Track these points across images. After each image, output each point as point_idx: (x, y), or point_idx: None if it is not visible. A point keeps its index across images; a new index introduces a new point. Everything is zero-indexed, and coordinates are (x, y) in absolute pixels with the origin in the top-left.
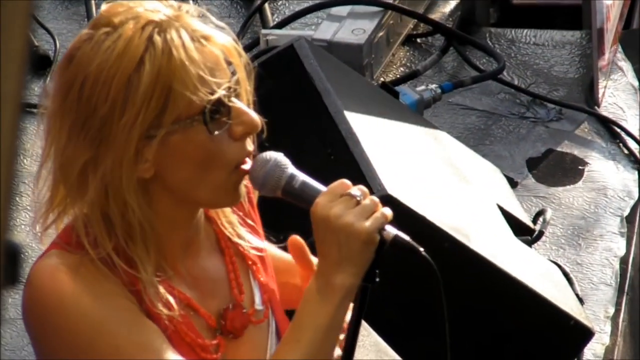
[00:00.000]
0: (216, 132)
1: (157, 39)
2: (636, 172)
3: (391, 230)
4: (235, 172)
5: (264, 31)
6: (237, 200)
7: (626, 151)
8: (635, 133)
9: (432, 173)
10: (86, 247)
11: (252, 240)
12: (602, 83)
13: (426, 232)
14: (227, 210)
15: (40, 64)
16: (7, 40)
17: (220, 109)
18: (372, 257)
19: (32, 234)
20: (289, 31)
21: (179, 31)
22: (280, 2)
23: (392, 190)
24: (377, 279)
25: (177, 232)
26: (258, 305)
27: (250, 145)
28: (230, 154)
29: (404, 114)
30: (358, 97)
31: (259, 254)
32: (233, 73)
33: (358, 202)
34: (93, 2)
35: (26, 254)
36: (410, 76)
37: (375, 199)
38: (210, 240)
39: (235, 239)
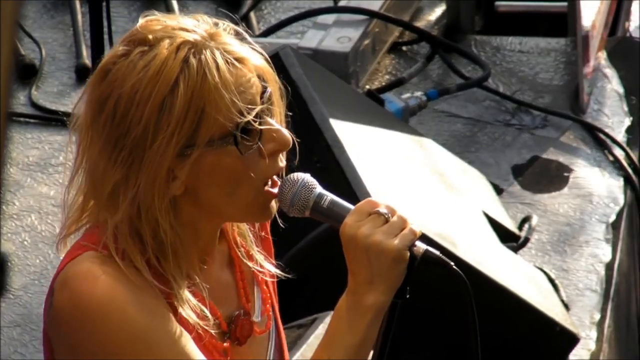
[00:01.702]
0: (247, 152)
1: (192, 60)
2: (621, 179)
3: (421, 246)
4: (264, 191)
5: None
6: (268, 217)
7: (611, 158)
8: (620, 140)
9: (417, 180)
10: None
11: (260, 260)
12: (587, 90)
13: None
14: (242, 225)
15: (26, 72)
16: None
17: (251, 130)
18: (403, 274)
19: (18, 242)
20: (274, 39)
21: (214, 53)
22: (266, 10)
23: (377, 197)
24: (408, 296)
25: (200, 243)
26: (257, 316)
27: (282, 162)
28: (259, 171)
29: (390, 122)
30: (344, 105)
31: (267, 278)
32: (266, 92)
33: (386, 220)
34: (79, 10)
35: (12, 262)
36: (396, 84)
37: (404, 216)
38: (222, 248)
39: (245, 260)
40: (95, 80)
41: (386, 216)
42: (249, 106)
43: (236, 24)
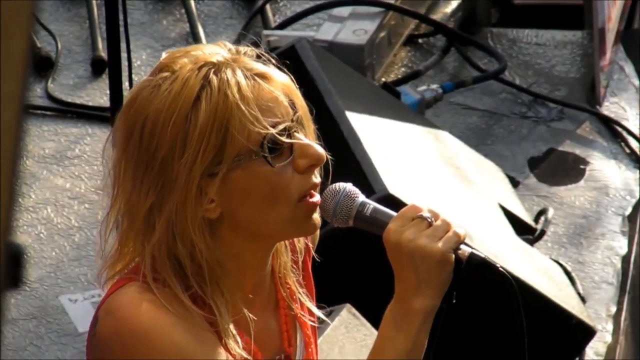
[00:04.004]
0: (278, 165)
1: (213, 77)
2: (637, 171)
3: (466, 249)
4: (300, 205)
5: (265, 32)
6: (312, 231)
7: (628, 150)
8: (637, 132)
9: (433, 173)
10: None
11: (305, 303)
12: (603, 82)
13: None
14: (288, 266)
15: (42, 65)
16: (10, 41)
17: (279, 142)
18: (450, 277)
19: (33, 235)
20: (290, 32)
21: (235, 70)
22: (282, 3)
23: (394, 189)
24: (455, 300)
25: (249, 273)
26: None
27: (317, 178)
28: (294, 186)
29: (406, 114)
30: (359, 97)
31: (311, 323)
32: (293, 109)
33: (430, 224)
34: (95, 3)
35: (29, 255)
36: (412, 76)
37: (447, 219)
38: (270, 289)
39: (289, 302)
40: (122, 115)
41: (429, 220)
42: (276, 120)
43: (257, 45)
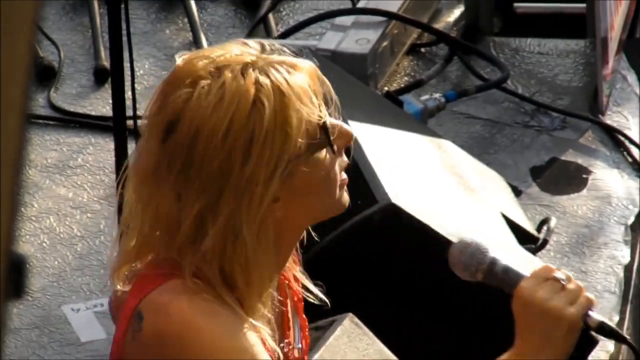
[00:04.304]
0: (331, 151)
1: (262, 79)
2: None
3: (595, 316)
4: (342, 182)
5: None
6: (346, 204)
7: (630, 159)
8: (639, 141)
9: (436, 182)
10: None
11: (305, 283)
12: (606, 91)
13: (430, 241)
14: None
15: (45, 74)
16: (12, 48)
17: (329, 129)
18: (573, 346)
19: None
20: (293, 41)
21: (274, 67)
22: (285, 12)
23: (396, 199)
24: None
25: (280, 267)
26: (297, 343)
27: (345, 156)
28: (338, 168)
29: (408, 123)
30: (362, 106)
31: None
32: (325, 93)
33: (563, 287)
34: (97, 12)
35: (31, 264)
36: (415, 85)
37: (580, 283)
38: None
39: (293, 283)
40: (160, 134)
41: (563, 282)
42: (319, 107)
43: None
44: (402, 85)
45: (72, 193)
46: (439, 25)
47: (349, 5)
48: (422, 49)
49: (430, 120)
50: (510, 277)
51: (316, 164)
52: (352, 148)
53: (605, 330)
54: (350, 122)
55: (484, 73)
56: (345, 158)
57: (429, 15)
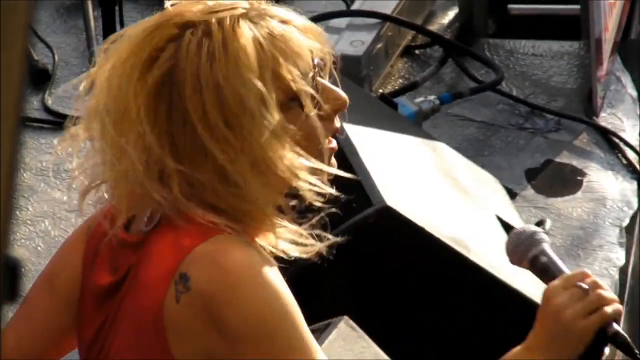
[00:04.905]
0: (312, 113)
1: (255, 31)
2: (635, 182)
3: (614, 326)
4: (328, 148)
5: None
6: (329, 175)
7: (625, 161)
8: (634, 143)
9: (431, 184)
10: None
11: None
12: (600, 93)
13: (425, 244)
14: None
15: (39, 77)
16: (5, 51)
17: (314, 88)
18: (580, 351)
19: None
20: None
21: (266, 20)
22: None
23: (391, 201)
24: None
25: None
26: None
27: (338, 122)
28: (321, 132)
29: (403, 126)
30: (356, 108)
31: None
32: (319, 53)
33: (586, 295)
34: (92, 15)
35: (26, 268)
36: (409, 87)
37: (605, 293)
38: None
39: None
40: (144, 69)
41: (587, 292)
42: (306, 68)
43: None
44: (397, 88)
45: (67, 196)
46: (433, 27)
47: (343, 7)
48: (417, 51)
49: (425, 123)
50: (550, 273)
51: (293, 121)
52: (345, 150)
53: (617, 342)
54: (344, 124)
55: (479, 75)
56: (337, 124)
57: (423, 17)
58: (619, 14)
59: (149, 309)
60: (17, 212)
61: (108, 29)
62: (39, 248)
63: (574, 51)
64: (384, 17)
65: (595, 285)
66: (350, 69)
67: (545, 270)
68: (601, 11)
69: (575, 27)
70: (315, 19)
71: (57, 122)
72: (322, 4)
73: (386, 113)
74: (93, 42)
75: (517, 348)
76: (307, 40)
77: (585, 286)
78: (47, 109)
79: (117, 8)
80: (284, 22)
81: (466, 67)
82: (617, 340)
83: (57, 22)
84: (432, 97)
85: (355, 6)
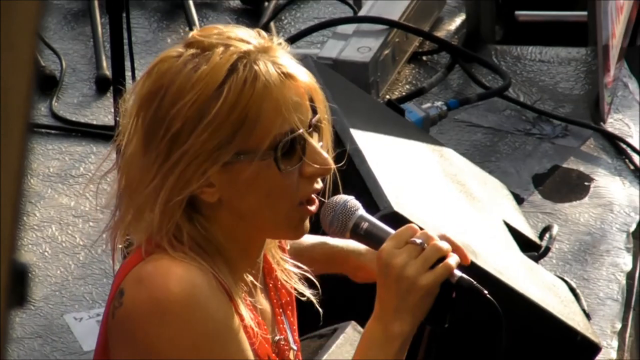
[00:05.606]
0: (286, 169)
1: (240, 67)
2: None
3: (456, 272)
4: (299, 209)
5: None
6: (300, 235)
7: (632, 167)
8: None
9: (438, 190)
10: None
11: (294, 284)
12: (607, 99)
13: None
14: (276, 247)
15: (47, 84)
16: (14, 58)
17: (295, 146)
18: (430, 304)
19: (39, 253)
20: (294, 50)
21: (266, 64)
22: (286, 20)
23: (398, 207)
24: (447, 325)
25: (249, 259)
26: (292, 344)
27: (319, 184)
28: (297, 190)
29: (410, 132)
30: (364, 115)
31: (299, 297)
32: (314, 112)
33: (422, 250)
34: (99, 21)
35: (33, 273)
36: (416, 94)
37: (440, 244)
38: (260, 273)
39: (283, 277)
40: (147, 74)
41: (422, 246)
42: (293, 125)
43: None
44: (404, 94)
45: (74, 202)
46: (440, 33)
47: (350, 13)
48: (424, 57)
49: (432, 129)
50: (375, 237)
51: (259, 173)
52: (353, 156)
53: (463, 286)
54: (352, 130)
55: (486, 81)
56: (317, 185)
57: (431, 23)
58: (626, 20)
59: (104, 321)
60: (25, 218)
61: (115, 36)
62: (46, 253)
63: (581, 57)
64: (391, 24)
65: (427, 238)
66: (358, 75)
67: (370, 235)
68: (608, 18)
69: (583, 34)
70: (323, 26)
71: (64, 128)
72: (329, 10)
73: (393, 119)
74: (100, 49)
75: (368, 324)
76: (304, 100)
77: (418, 241)
78: (55, 115)
79: (124, 15)
80: (288, 75)
81: (473, 73)
82: (462, 285)
83: (64, 29)
84: (439, 103)
85: (362, 12)
